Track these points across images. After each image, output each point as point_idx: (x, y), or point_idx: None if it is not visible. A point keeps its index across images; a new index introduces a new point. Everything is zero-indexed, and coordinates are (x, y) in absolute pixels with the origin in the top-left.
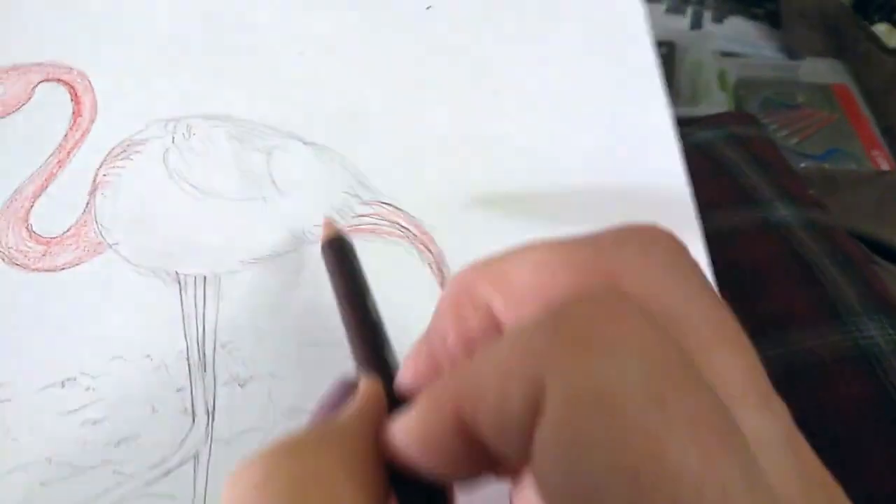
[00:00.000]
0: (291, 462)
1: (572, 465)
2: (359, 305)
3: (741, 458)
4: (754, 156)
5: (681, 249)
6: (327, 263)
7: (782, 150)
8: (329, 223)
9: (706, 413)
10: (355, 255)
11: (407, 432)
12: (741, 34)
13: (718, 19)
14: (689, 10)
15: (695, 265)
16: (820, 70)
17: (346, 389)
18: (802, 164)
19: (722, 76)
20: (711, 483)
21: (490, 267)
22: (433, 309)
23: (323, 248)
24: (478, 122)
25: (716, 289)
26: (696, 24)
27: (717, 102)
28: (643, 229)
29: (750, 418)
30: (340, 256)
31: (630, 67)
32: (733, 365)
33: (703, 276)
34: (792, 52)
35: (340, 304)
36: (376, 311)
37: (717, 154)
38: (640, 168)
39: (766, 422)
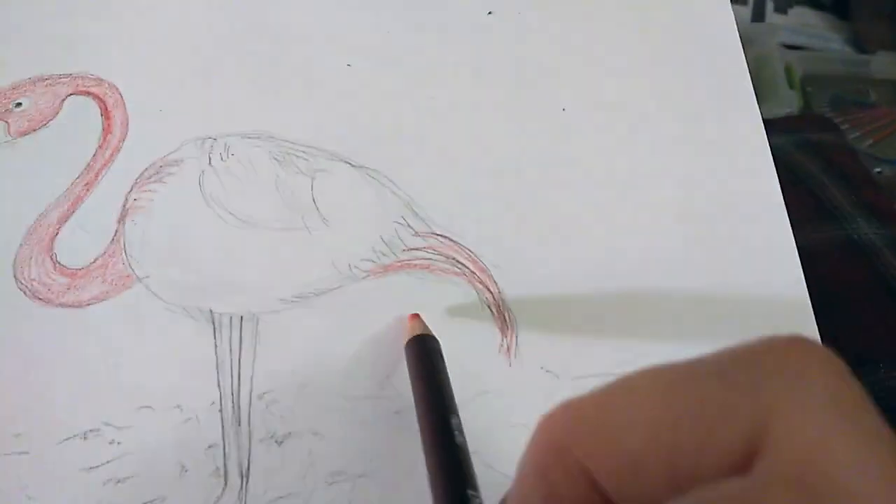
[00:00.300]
0: None
1: None
2: (440, 428)
3: None
4: (833, 165)
5: (836, 379)
6: (409, 365)
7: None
8: (416, 318)
9: None
10: (442, 359)
11: None
12: (806, 25)
13: (782, 9)
14: (751, 0)
15: (858, 401)
16: (894, 65)
17: None
18: (878, 170)
19: (789, 71)
20: None
21: (586, 417)
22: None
23: (407, 346)
24: (544, 144)
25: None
26: (759, 14)
27: (785, 101)
28: (789, 348)
29: None
30: (424, 359)
31: (719, 78)
32: None
33: (872, 417)
34: (861, 45)
35: (420, 418)
36: (461, 435)
37: (792, 162)
38: (732, 191)
39: None
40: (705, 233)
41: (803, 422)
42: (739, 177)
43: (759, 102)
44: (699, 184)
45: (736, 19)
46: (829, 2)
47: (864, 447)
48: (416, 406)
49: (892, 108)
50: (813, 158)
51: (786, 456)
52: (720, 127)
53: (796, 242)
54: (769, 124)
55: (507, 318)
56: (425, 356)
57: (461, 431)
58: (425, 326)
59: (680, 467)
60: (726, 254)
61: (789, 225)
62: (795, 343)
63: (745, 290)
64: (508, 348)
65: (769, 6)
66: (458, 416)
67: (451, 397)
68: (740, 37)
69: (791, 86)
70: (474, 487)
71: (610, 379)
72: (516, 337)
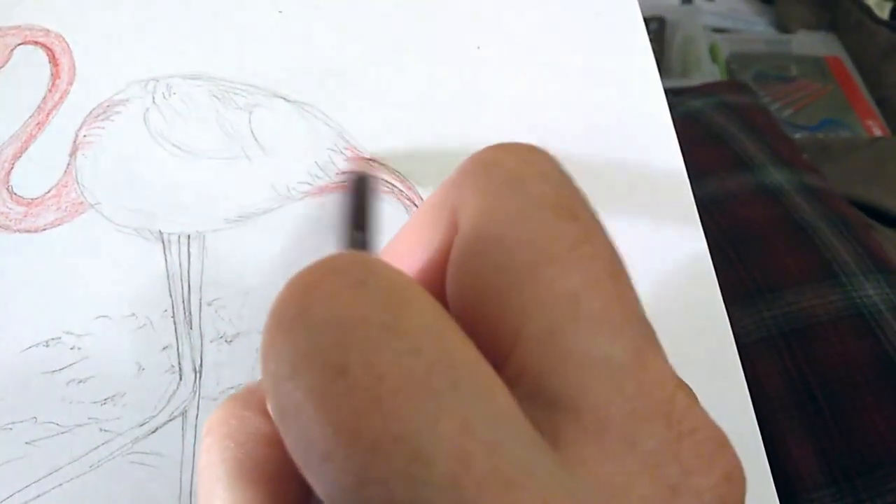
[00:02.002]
0: (230, 406)
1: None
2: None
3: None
4: (747, 122)
5: (523, 163)
6: (347, 190)
7: (777, 121)
8: (360, 159)
9: (397, 360)
10: (374, 197)
11: None
12: (733, 10)
13: None
14: None
15: (542, 177)
16: (813, 43)
17: None
18: (797, 135)
19: (713, 50)
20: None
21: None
22: None
23: (348, 176)
24: (461, 78)
25: (699, 244)
26: (688, 1)
27: (708, 76)
28: (487, 150)
29: (576, 340)
30: (360, 193)
31: (617, 26)
32: (564, 283)
33: (552, 188)
34: (784, 26)
35: (343, 222)
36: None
37: (710, 121)
38: (629, 132)
39: (595, 343)
40: (603, 156)
41: (480, 196)
42: (633, 105)
43: (684, 77)
44: (598, 112)
45: (665, 5)
46: None
47: (524, 206)
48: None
49: (809, 82)
50: (729, 117)
51: (464, 225)
52: (617, 71)
53: (715, 191)
54: (691, 90)
55: None
56: (359, 191)
57: (363, 244)
58: (365, 167)
59: (426, 259)
60: (619, 175)
61: (678, 146)
62: (497, 145)
63: (636, 208)
64: None
65: None
66: (364, 232)
67: (363, 217)
68: (668, 20)
69: (715, 62)
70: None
71: None
72: None
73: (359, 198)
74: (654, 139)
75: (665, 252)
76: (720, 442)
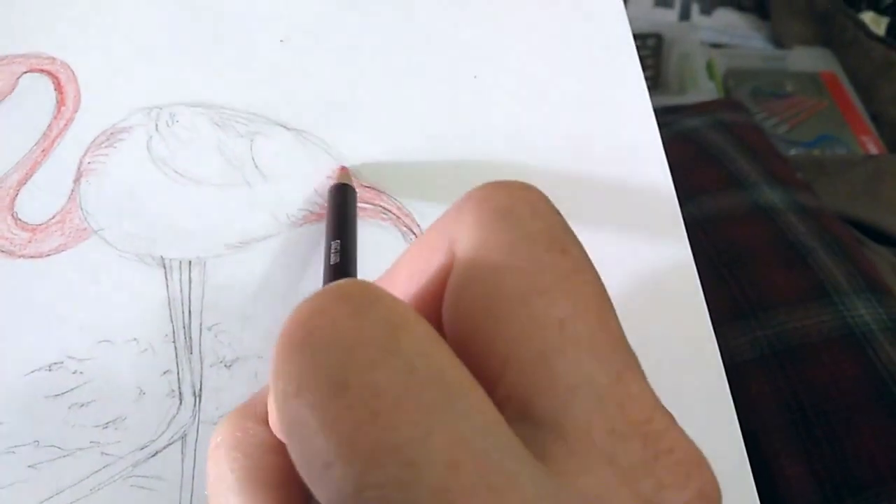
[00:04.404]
0: (235, 420)
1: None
2: (327, 249)
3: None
4: (741, 141)
5: (517, 200)
6: (329, 202)
7: (773, 138)
8: (344, 169)
9: (394, 378)
10: (355, 202)
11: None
12: (730, 26)
13: (707, 11)
14: (678, 3)
15: (535, 213)
16: (808, 59)
17: None
18: (793, 152)
19: (710, 66)
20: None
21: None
22: None
23: (329, 189)
24: (459, 106)
25: (685, 262)
26: (685, 15)
27: (705, 92)
28: (484, 187)
29: (563, 363)
30: (341, 199)
31: (607, 49)
32: (554, 310)
33: (544, 223)
34: (779, 42)
35: (327, 235)
36: (354, 247)
37: (704, 140)
38: (620, 153)
39: (580, 366)
40: (594, 177)
41: (475, 230)
42: (624, 128)
43: (681, 94)
44: (590, 136)
45: (663, 21)
46: (750, 4)
47: (518, 240)
48: (326, 231)
49: (804, 98)
50: (724, 136)
51: (459, 255)
52: (609, 93)
53: (709, 209)
54: (686, 108)
55: None
56: (341, 200)
57: (336, 252)
58: (348, 177)
59: (420, 291)
60: (609, 195)
61: (668, 169)
62: (493, 182)
63: (625, 227)
64: None
65: (695, 9)
66: (354, 239)
67: (345, 227)
68: (666, 37)
69: (712, 78)
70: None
71: None
72: None
73: (338, 208)
74: (644, 161)
75: (652, 269)
76: (696, 461)
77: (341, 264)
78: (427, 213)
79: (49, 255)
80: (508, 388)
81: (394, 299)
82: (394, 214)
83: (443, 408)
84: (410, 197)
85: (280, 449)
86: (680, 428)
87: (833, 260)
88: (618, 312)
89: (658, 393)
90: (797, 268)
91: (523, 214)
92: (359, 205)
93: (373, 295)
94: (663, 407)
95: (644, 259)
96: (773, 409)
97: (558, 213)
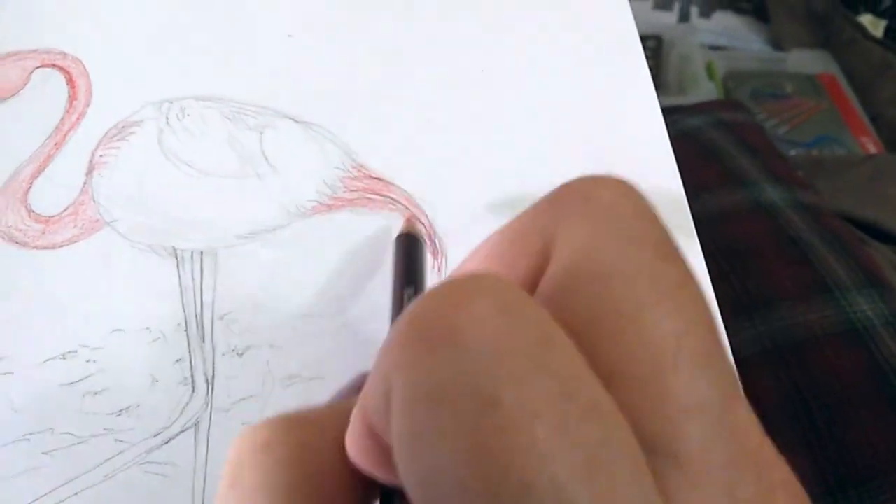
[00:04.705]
0: (295, 432)
1: (411, 460)
2: (399, 302)
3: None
4: (742, 140)
5: (621, 198)
6: (396, 254)
7: (772, 139)
8: (411, 219)
9: (552, 402)
10: (424, 255)
11: (347, 440)
12: (729, 28)
13: (706, 14)
14: (677, 5)
15: (639, 214)
16: (807, 61)
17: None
18: (792, 152)
19: (710, 68)
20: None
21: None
22: (428, 277)
23: (397, 238)
24: (465, 100)
25: (697, 260)
26: (684, 18)
27: (705, 93)
28: (582, 182)
29: (677, 383)
30: (410, 252)
31: (615, 48)
32: (668, 324)
33: (650, 226)
34: (779, 44)
35: (394, 294)
36: None
37: (706, 139)
38: (627, 152)
39: (695, 387)
40: (601, 169)
41: (578, 229)
42: (632, 125)
43: (681, 95)
44: (597, 131)
45: (662, 24)
46: (749, 6)
47: (630, 243)
48: (392, 287)
49: (804, 99)
50: (725, 135)
51: (561, 257)
52: (615, 91)
53: (710, 207)
54: (687, 108)
55: (437, 244)
56: (409, 250)
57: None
58: (415, 227)
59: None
60: None
61: (675, 165)
62: (591, 177)
63: None
64: (439, 268)
65: (694, 11)
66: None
67: (418, 280)
68: (665, 39)
69: (712, 80)
70: None
71: None
72: (445, 259)
73: (409, 256)
74: (652, 158)
75: None
76: (803, 495)
77: None
78: (435, 203)
79: (62, 246)
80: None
81: (534, 303)
82: (402, 205)
83: (601, 447)
84: (418, 188)
85: (344, 479)
86: (782, 457)
87: (834, 256)
88: None
89: None
90: (799, 264)
91: (630, 215)
92: (367, 196)
93: (517, 295)
94: (765, 433)
95: None
96: (775, 403)
97: (658, 214)
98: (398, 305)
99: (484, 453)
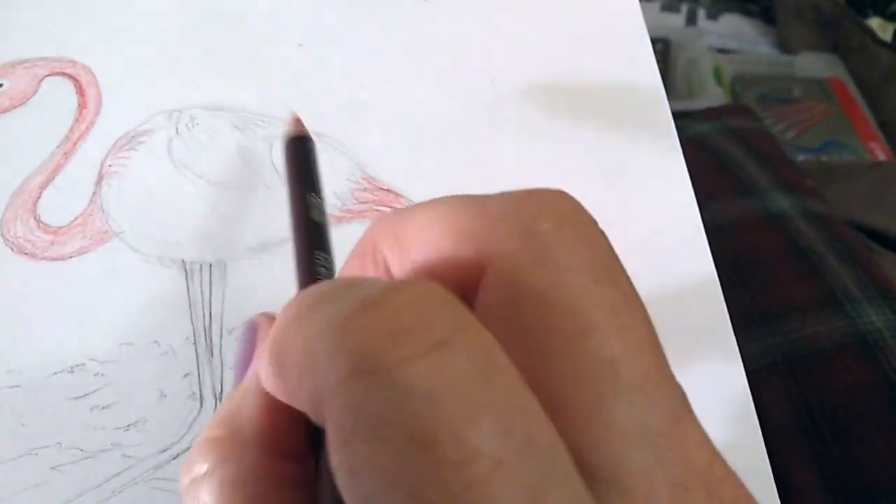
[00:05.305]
0: (217, 452)
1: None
2: (303, 204)
3: None
4: (752, 147)
5: (562, 223)
6: (286, 160)
7: (781, 145)
8: (297, 119)
9: (490, 440)
10: (315, 157)
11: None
12: (736, 31)
13: (713, 16)
14: (684, 8)
15: (581, 237)
16: (815, 64)
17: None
18: (801, 157)
19: (718, 72)
20: None
21: (394, 220)
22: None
23: (288, 142)
24: (477, 110)
25: (708, 270)
26: (691, 21)
27: (713, 97)
28: (543, 195)
29: (619, 409)
30: (300, 154)
31: (626, 56)
32: (607, 350)
33: (592, 250)
34: (786, 47)
35: (289, 203)
36: (321, 212)
37: (715, 146)
38: (639, 161)
39: (636, 412)
40: (613, 180)
41: (515, 248)
42: (643, 131)
43: (689, 99)
44: (609, 139)
45: (670, 26)
46: (757, 9)
47: (575, 268)
48: (288, 197)
49: (812, 104)
50: (734, 142)
51: (498, 273)
52: (628, 100)
53: (720, 216)
54: (695, 114)
55: None
56: (299, 154)
57: (320, 210)
58: (303, 128)
59: (430, 265)
60: (629, 198)
61: (686, 171)
62: (552, 193)
63: (646, 233)
64: None
65: (701, 13)
66: (318, 196)
67: (313, 181)
68: (673, 42)
69: (720, 83)
70: (324, 250)
71: None
72: None
73: (304, 160)
74: (663, 164)
75: (674, 275)
76: None
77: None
78: None
79: (71, 257)
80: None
81: (478, 326)
82: None
83: (538, 485)
84: (427, 196)
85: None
86: (734, 472)
87: (843, 266)
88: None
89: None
90: (808, 275)
91: (568, 240)
92: (377, 208)
93: (462, 317)
94: (716, 449)
95: (666, 268)
96: (784, 416)
97: (603, 234)
98: (298, 213)
99: (420, 495)
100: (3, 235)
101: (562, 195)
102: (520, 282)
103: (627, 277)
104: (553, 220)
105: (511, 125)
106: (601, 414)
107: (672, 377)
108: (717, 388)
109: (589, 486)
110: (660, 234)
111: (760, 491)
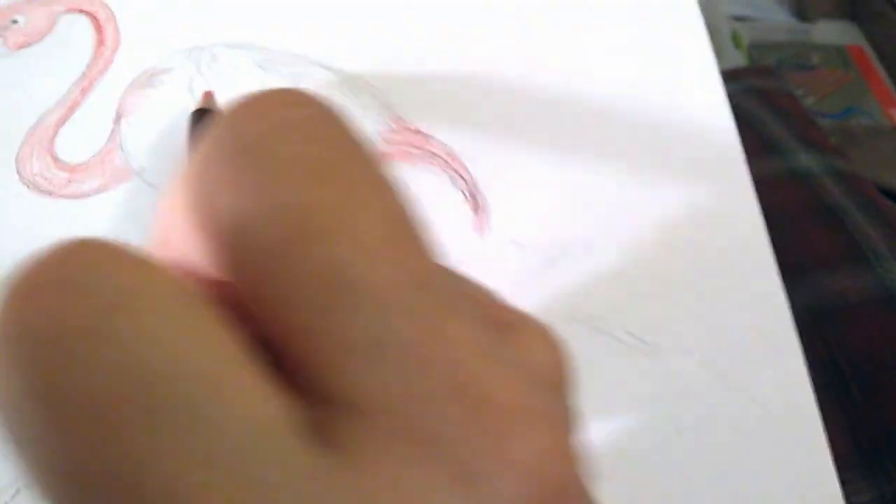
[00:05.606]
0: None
1: None
2: None
3: None
4: (775, 107)
5: (266, 124)
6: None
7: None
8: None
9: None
10: None
11: None
12: None
13: None
14: None
15: (287, 136)
16: (833, 32)
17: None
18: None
19: (736, 38)
20: None
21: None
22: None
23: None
24: (509, 50)
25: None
26: None
27: (732, 61)
28: (232, 110)
29: (345, 320)
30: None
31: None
32: (321, 261)
33: (299, 147)
34: (804, 14)
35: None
36: None
37: (737, 106)
38: (682, 104)
39: (372, 320)
40: (659, 136)
41: (212, 177)
42: (689, 96)
43: None
44: (654, 93)
45: None
46: None
47: (267, 180)
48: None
49: (831, 70)
50: (758, 102)
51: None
52: (669, 43)
53: None
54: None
55: (478, 200)
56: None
57: None
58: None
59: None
60: (675, 153)
61: (734, 124)
62: (244, 102)
63: (693, 185)
64: (480, 226)
65: None
66: None
67: None
68: None
69: (738, 47)
70: None
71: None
72: (487, 216)
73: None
74: (709, 117)
75: (722, 226)
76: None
77: None
78: (476, 158)
79: (89, 195)
80: (292, 363)
81: (130, 263)
82: (442, 159)
83: (185, 424)
84: (460, 141)
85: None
86: (504, 369)
87: (870, 223)
88: (685, 270)
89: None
90: (835, 231)
91: (276, 142)
92: (406, 150)
93: (96, 263)
94: (489, 338)
95: (713, 219)
96: (810, 369)
97: (331, 125)
98: None
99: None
100: (19, 173)
101: (270, 95)
102: (228, 200)
103: (358, 167)
104: (259, 122)
105: (544, 72)
106: (327, 330)
107: (425, 275)
108: (765, 337)
109: (327, 414)
110: (707, 186)
111: (808, 435)
